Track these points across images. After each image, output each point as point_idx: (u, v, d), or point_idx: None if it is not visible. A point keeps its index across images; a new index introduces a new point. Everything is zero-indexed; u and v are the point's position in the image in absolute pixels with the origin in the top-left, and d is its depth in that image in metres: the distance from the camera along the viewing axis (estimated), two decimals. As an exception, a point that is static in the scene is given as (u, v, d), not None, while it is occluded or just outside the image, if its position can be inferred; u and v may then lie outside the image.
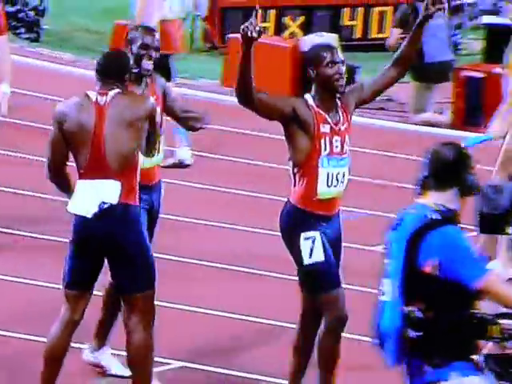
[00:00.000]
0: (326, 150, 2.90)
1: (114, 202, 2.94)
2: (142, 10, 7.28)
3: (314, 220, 2.89)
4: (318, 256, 2.84)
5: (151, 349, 3.09)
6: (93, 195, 2.98)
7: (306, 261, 2.87)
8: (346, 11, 11.66)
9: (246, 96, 2.87)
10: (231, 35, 9.91)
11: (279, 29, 11.39)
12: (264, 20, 11.31)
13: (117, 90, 3.05)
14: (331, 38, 10.04)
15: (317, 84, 3.00)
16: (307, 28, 11.14)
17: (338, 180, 2.93)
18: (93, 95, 3.05)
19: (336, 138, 2.94)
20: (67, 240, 3.17)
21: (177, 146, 6.99)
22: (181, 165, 7.01)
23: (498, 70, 7.86)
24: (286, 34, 11.09)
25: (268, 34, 10.47)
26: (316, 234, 2.84)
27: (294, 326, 3.41)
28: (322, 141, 2.90)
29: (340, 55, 3.07)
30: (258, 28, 2.82)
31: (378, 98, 3.82)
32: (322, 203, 2.92)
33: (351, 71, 9.19)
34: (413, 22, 8.58)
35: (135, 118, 2.98)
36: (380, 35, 11.52)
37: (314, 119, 2.92)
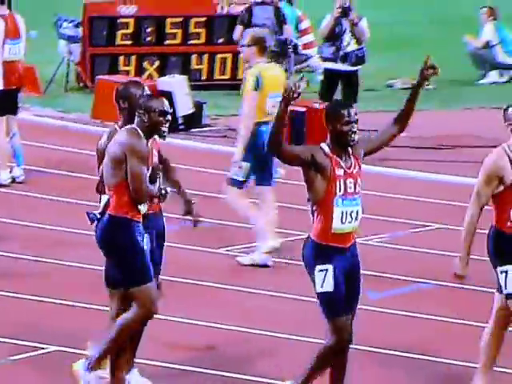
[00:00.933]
0: (340, 190, 3.06)
1: (97, 213, 3.31)
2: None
3: (329, 252, 3.05)
4: (329, 286, 3.02)
5: (128, 327, 3.20)
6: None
7: (318, 289, 3.06)
8: (195, 57, 13.35)
9: (278, 148, 3.00)
10: (99, 77, 11.72)
11: (139, 71, 12.98)
12: (127, 64, 13.01)
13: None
14: (183, 79, 11.86)
15: (332, 136, 3.10)
16: (162, 71, 12.82)
17: (351, 217, 3.09)
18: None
19: (350, 179, 3.10)
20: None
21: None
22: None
23: (317, 105, 9.60)
24: (145, 75, 12.77)
25: (130, 76, 11.97)
26: (329, 267, 3.02)
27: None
28: (337, 183, 3.05)
29: (355, 115, 3.10)
30: (299, 91, 2.94)
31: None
32: (336, 237, 3.06)
33: (199, 106, 11.11)
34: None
35: (112, 151, 3.18)
36: (222, 77, 13.44)
37: (330, 164, 3.05)
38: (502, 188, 3.18)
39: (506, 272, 3.16)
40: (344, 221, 3.05)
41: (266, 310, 5.02)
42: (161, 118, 3.19)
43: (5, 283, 5.26)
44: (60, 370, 3.66)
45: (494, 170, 3.18)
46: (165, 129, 3.25)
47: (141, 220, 3.22)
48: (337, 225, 3.03)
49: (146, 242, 3.23)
